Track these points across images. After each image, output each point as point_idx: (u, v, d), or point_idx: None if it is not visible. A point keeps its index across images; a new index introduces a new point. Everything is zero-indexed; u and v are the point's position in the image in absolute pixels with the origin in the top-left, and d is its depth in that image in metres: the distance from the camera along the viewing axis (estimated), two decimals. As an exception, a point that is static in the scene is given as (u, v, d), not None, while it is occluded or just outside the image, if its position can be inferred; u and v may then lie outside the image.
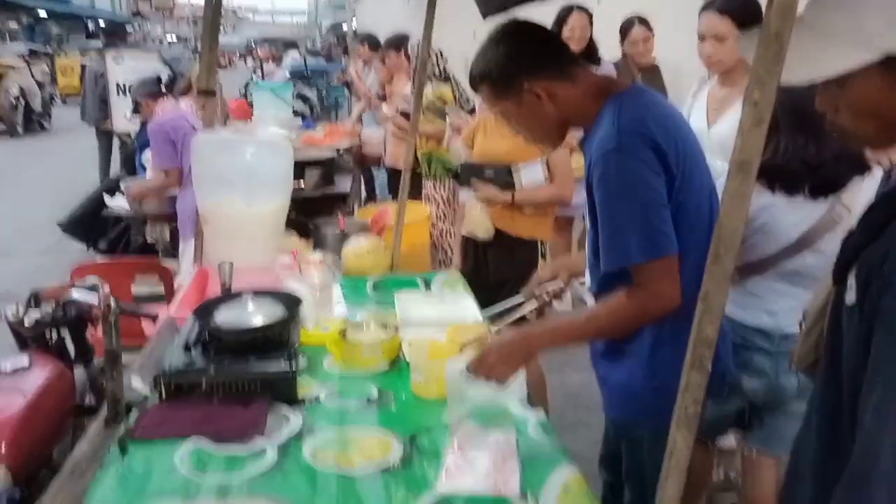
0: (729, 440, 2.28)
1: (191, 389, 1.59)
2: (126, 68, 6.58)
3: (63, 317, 2.21)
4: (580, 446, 1.93)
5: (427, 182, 4.93)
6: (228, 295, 1.85)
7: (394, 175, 5.49)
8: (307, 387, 1.69)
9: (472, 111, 4.71)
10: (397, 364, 1.85)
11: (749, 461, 1.99)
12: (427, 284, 2.45)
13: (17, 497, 1.65)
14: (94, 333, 2.43)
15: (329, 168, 4.62)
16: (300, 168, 4.55)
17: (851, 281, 0.87)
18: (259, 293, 1.83)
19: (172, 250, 4.49)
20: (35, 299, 2.29)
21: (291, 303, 1.83)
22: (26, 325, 2.18)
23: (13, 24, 33.72)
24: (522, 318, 1.83)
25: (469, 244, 2.85)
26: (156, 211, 4.23)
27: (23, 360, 2.07)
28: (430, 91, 4.34)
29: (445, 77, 4.49)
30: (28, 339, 2.24)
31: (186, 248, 3.91)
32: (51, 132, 14.27)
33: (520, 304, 1.88)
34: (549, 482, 1.32)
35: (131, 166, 5.68)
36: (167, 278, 3.40)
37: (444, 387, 1.64)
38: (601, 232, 1.37)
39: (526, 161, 2.60)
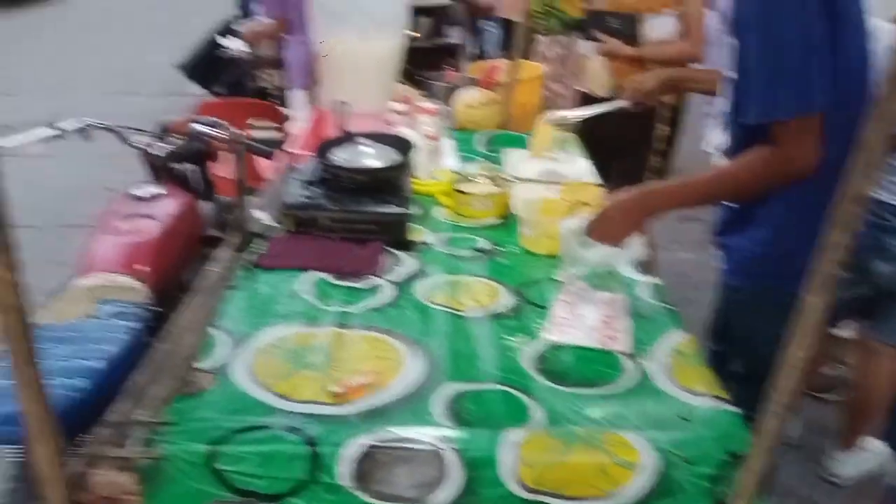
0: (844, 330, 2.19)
1: (310, 224, 1.66)
2: None
3: (189, 149, 2.31)
4: (686, 323, 1.91)
5: (542, 38, 4.69)
6: (345, 136, 1.87)
7: (507, 28, 5.25)
8: (418, 233, 1.72)
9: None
10: (507, 219, 1.85)
11: (868, 351, 1.92)
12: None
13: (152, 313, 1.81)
14: (214, 169, 2.55)
15: (440, 18, 4.46)
16: (410, 15, 4.43)
17: None
18: (374, 136, 1.84)
19: (284, 96, 4.56)
20: (163, 132, 2.41)
21: (405, 148, 1.83)
22: (156, 154, 2.30)
23: None
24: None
25: (584, 102, 2.72)
26: (270, 55, 4.26)
27: (157, 188, 2.21)
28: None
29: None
30: (158, 169, 2.37)
31: (294, 96, 3.97)
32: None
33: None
34: (659, 343, 1.32)
35: (246, 8, 5.66)
36: (281, 121, 3.48)
37: (554, 243, 1.63)
38: (742, 80, 1.24)
39: (656, 12, 2.41)
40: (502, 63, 4.07)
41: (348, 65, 2.05)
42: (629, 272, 1.58)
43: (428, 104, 2.15)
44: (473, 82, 4.06)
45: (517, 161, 2.15)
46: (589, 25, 2.52)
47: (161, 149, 2.30)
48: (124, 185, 4.50)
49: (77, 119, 2.37)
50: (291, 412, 1.08)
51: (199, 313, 1.37)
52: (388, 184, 1.76)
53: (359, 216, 1.65)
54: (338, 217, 1.65)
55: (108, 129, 2.34)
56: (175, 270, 2.08)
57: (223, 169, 2.59)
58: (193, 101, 6.23)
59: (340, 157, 1.77)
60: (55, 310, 1.75)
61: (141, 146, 2.31)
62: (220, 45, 5.92)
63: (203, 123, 2.30)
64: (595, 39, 2.48)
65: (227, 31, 5.92)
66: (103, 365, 1.55)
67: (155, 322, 1.86)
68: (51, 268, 3.54)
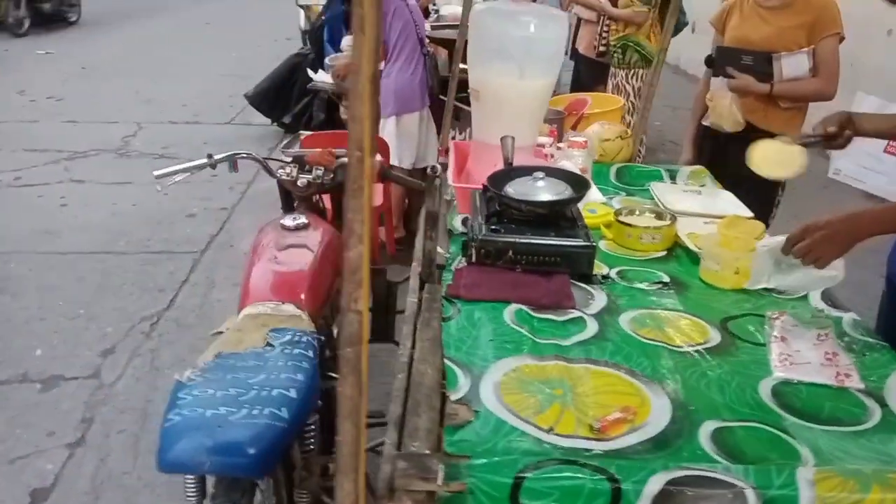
0: None
1: (497, 255, 1.67)
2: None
3: (333, 181, 2.34)
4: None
5: (619, 71, 4.74)
6: (514, 169, 1.89)
7: (582, 62, 5.31)
8: (596, 266, 1.73)
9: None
10: (673, 252, 1.86)
11: None
12: (672, 176, 2.41)
13: (319, 342, 1.82)
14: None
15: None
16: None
17: None
18: (541, 169, 1.86)
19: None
20: (300, 163, 2.44)
21: (577, 182, 1.84)
22: (299, 185, 2.33)
23: None
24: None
25: (707, 137, 2.74)
26: (356, 87, 4.32)
27: (301, 218, 2.23)
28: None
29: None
30: (297, 199, 2.41)
31: (386, 124, 4.03)
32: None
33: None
34: (891, 379, 1.31)
35: (318, 40, 5.78)
36: (385, 151, 3.53)
37: (739, 277, 1.63)
38: None
39: (785, 49, 2.42)
40: (586, 96, 4.13)
41: (503, 101, 2.07)
42: (824, 306, 1.58)
43: (578, 138, 2.18)
44: (560, 115, 4.12)
45: (665, 193, 2.16)
46: (720, 61, 2.54)
47: (302, 181, 2.33)
48: (206, 211, 4.62)
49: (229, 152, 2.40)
50: (563, 446, 1.08)
51: (424, 344, 1.37)
52: (564, 216, 1.78)
53: (545, 248, 1.66)
54: (524, 249, 1.66)
55: (254, 160, 2.37)
56: (327, 299, 2.10)
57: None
58: (258, 131, 6.37)
59: (515, 189, 1.79)
60: (232, 339, 1.76)
61: (284, 177, 2.34)
62: (288, 78, 6.07)
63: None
64: (726, 75, 2.50)
65: (297, 64, 6.06)
66: (295, 394, 1.57)
67: (322, 349, 1.88)
68: (144, 294, 3.62)
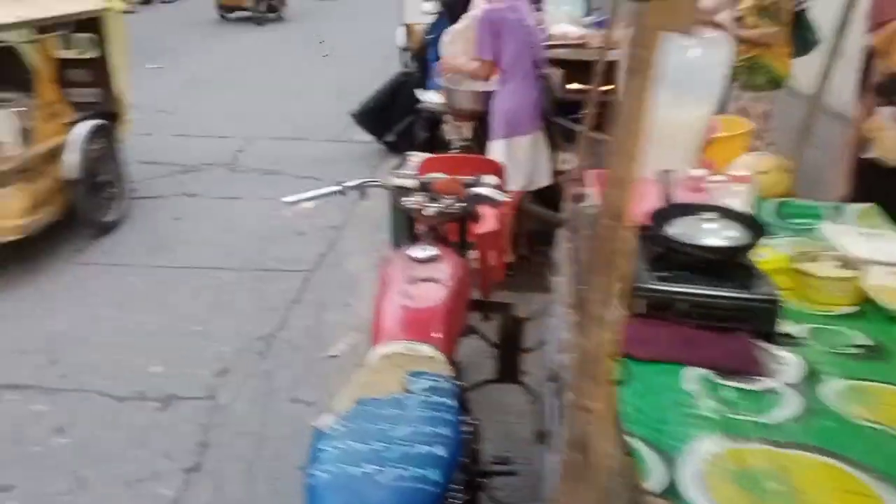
0: None
1: (664, 307, 1.49)
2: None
3: (463, 210, 2.23)
4: None
5: (744, 94, 4.45)
6: (675, 207, 1.71)
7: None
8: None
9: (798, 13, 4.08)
10: (863, 307, 1.62)
11: None
12: (838, 215, 2.15)
13: (459, 389, 1.69)
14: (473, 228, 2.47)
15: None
16: (612, 71, 4.30)
17: None
18: (709, 208, 1.67)
19: (475, 147, 4.51)
20: (426, 190, 2.34)
21: (749, 223, 1.64)
22: (427, 215, 2.23)
23: None
24: None
25: (869, 171, 2.46)
26: (468, 106, 4.23)
27: (431, 249, 2.12)
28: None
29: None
30: (424, 229, 2.30)
31: (494, 147, 3.90)
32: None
33: None
34: None
35: (423, 60, 5.75)
36: (501, 175, 3.39)
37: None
38: None
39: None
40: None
41: (661, 131, 1.89)
42: None
43: (739, 171, 1.97)
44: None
45: (839, 236, 1.92)
46: (890, 91, 2.27)
47: (429, 210, 2.22)
48: (315, 229, 4.62)
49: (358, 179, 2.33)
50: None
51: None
52: (737, 263, 1.58)
53: (722, 301, 1.47)
54: (697, 301, 1.48)
55: (384, 188, 2.29)
56: (456, 335, 1.98)
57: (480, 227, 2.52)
58: (362, 149, 6.39)
59: (680, 230, 1.61)
60: (369, 382, 1.66)
61: (411, 206, 2.24)
62: (393, 97, 6.05)
63: (482, 185, 2.22)
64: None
65: (400, 84, 6.04)
66: (445, 452, 1.44)
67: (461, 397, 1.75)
68: (257, 312, 3.62)
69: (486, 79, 4.16)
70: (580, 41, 4.86)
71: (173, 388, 3.02)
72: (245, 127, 7.02)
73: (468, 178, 2.43)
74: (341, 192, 2.21)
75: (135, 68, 9.60)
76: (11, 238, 3.79)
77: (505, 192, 2.22)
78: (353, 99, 8.11)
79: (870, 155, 2.42)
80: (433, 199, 2.26)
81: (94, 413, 2.86)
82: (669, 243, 1.58)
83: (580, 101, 4.20)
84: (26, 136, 3.89)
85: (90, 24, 4.42)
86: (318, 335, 3.43)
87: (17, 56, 4.06)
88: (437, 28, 5.58)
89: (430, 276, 2.03)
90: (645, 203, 1.80)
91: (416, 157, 4.40)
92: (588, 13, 5.79)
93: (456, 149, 4.91)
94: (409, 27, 8.28)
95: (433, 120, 6.08)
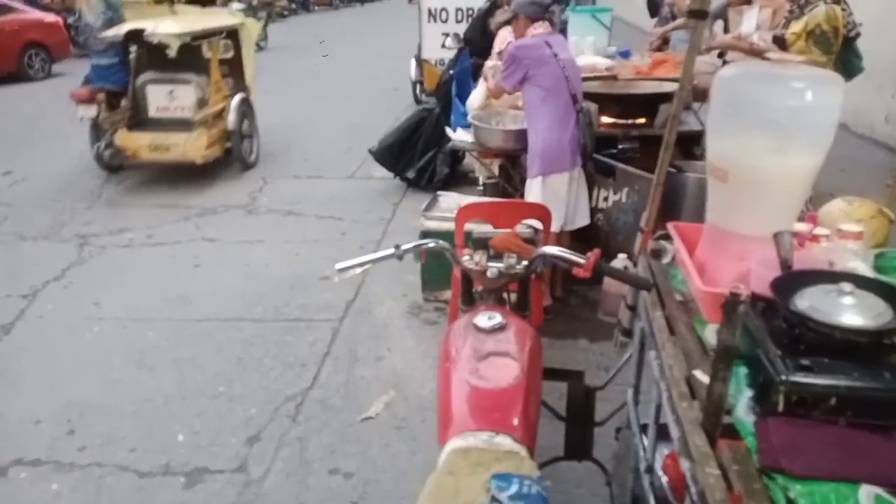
0: None
1: (813, 405, 1.25)
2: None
3: (526, 270, 2.01)
4: None
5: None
6: (798, 275, 1.49)
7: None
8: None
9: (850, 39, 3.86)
10: None
11: None
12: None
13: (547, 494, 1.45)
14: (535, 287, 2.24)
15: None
16: (647, 104, 4.11)
17: None
18: (842, 277, 1.44)
19: (506, 185, 4.32)
20: (481, 245, 2.12)
21: (891, 295, 1.41)
22: (489, 276, 2.01)
23: None
24: None
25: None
26: (499, 145, 4.04)
27: (497, 316, 1.90)
28: (820, 12, 3.58)
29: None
30: (484, 291, 2.08)
31: (532, 185, 3.70)
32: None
33: None
34: None
35: (445, 95, 5.58)
36: (547, 220, 3.18)
37: None
38: None
39: None
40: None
41: (754, 181, 1.68)
42: None
43: (851, 226, 1.74)
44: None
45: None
46: None
47: (492, 270, 2.00)
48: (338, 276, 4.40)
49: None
50: None
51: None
52: (884, 345, 1.35)
53: (890, 396, 1.23)
54: (856, 396, 1.24)
55: (442, 250, 2.06)
56: (537, 422, 1.74)
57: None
58: (381, 185, 6.20)
59: (813, 305, 1.38)
60: (445, 488, 1.42)
61: (470, 266, 2.02)
62: (413, 133, 5.89)
63: (553, 248, 1.99)
64: None
65: (421, 120, 5.87)
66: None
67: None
68: (286, 369, 3.39)
69: (497, 98, 4.01)
70: (610, 73, 4.69)
71: (200, 460, 2.77)
72: (260, 166, 6.84)
73: (526, 232, 2.22)
74: (398, 257, 1.99)
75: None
76: (199, 162, 6.06)
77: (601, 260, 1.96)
78: (365, 133, 7.99)
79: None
80: (494, 258, 2.04)
81: (115, 494, 2.61)
82: (806, 322, 1.35)
83: (616, 136, 4.02)
84: (202, 102, 6.23)
85: (232, 34, 6.68)
86: (351, 393, 3.20)
87: (197, 51, 6.28)
88: (461, 62, 5.44)
89: (500, 349, 1.80)
90: (759, 270, 1.58)
91: (446, 197, 4.21)
92: (609, 43, 5.64)
93: (481, 186, 4.73)
94: (420, 61, 8.19)
95: (454, 156, 5.93)
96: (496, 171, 4.36)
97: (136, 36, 5.86)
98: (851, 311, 1.35)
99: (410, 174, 5.91)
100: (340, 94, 10.55)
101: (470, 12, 6.50)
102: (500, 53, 4.79)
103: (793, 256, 1.54)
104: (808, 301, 1.40)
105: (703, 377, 1.43)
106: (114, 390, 3.24)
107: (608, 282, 3.75)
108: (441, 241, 2.06)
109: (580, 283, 4.22)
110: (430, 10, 6.59)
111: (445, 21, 6.62)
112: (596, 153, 3.85)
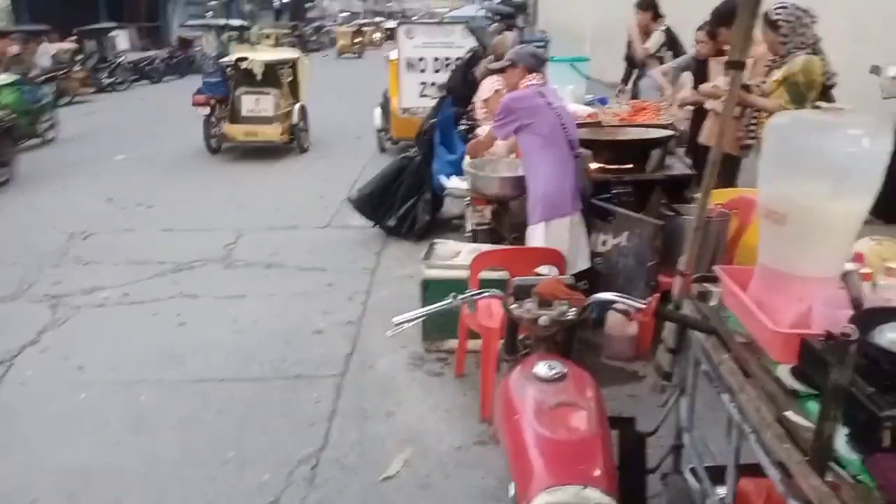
0: None
1: (917, 440, 1.28)
2: (417, 43, 6.57)
3: (578, 316, 2.01)
4: None
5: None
6: (875, 312, 1.53)
7: (704, 155, 5.01)
8: None
9: (827, 87, 4.08)
10: None
11: None
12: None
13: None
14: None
15: (665, 149, 4.25)
16: (636, 149, 4.23)
17: None
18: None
19: (497, 230, 4.36)
20: (523, 294, 2.11)
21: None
22: (541, 324, 2.00)
23: (213, 2, 37.41)
24: None
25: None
26: (496, 192, 4.09)
27: (557, 365, 1.89)
28: (798, 63, 3.78)
29: (815, 46, 3.88)
30: (534, 340, 2.07)
31: (534, 232, 3.74)
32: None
33: None
34: None
35: (427, 142, 5.63)
36: (561, 266, 3.22)
37: None
38: None
39: None
40: (750, 196, 3.79)
41: (808, 225, 1.73)
42: None
43: (870, 260, 1.82)
44: (723, 215, 3.78)
45: None
46: None
47: (545, 319, 1.99)
48: (332, 325, 4.31)
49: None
50: None
51: None
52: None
53: None
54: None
55: (497, 298, 2.05)
56: (616, 471, 1.72)
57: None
58: (360, 234, 6.16)
59: (888, 341, 1.42)
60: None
61: (521, 314, 2.01)
62: (393, 181, 5.91)
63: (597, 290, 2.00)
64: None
65: (401, 168, 5.90)
66: None
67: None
68: (294, 429, 3.27)
69: (486, 149, 4.11)
70: (593, 119, 4.83)
71: (219, 533, 2.64)
72: (232, 218, 6.73)
73: (567, 279, 2.23)
74: (456, 307, 1.96)
75: (103, 161, 9.34)
76: (278, 142, 9.46)
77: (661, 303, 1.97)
78: (334, 181, 7.95)
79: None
80: (543, 305, 2.03)
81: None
82: (893, 358, 1.39)
83: (608, 181, 4.12)
84: (277, 106, 9.40)
85: (293, 64, 9.93)
86: (367, 452, 3.10)
87: (273, 73, 9.49)
88: (443, 110, 5.51)
89: (568, 399, 1.79)
90: (824, 310, 1.62)
91: (443, 245, 4.21)
92: (586, 92, 5.83)
93: (470, 233, 4.75)
94: (386, 109, 8.26)
95: (435, 203, 5.96)
96: (489, 216, 4.39)
97: (239, 62, 9.46)
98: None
99: (391, 222, 5.90)
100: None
101: (447, 62, 6.66)
102: (485, 101, 4.89)
103: (862, 295, 1.59)
104: (889, 337, 1.44)
105: (797, 418, 1.44)
106: (116, 456, 3.07)
107: (611, 325, 3.79)
108: (495, 290, 2.05)
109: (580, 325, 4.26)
110: (408, 60, 6.70)
111: (423, 71, 6.75)
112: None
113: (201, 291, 4.97)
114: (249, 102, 9.35)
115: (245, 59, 9.36)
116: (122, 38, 20.35)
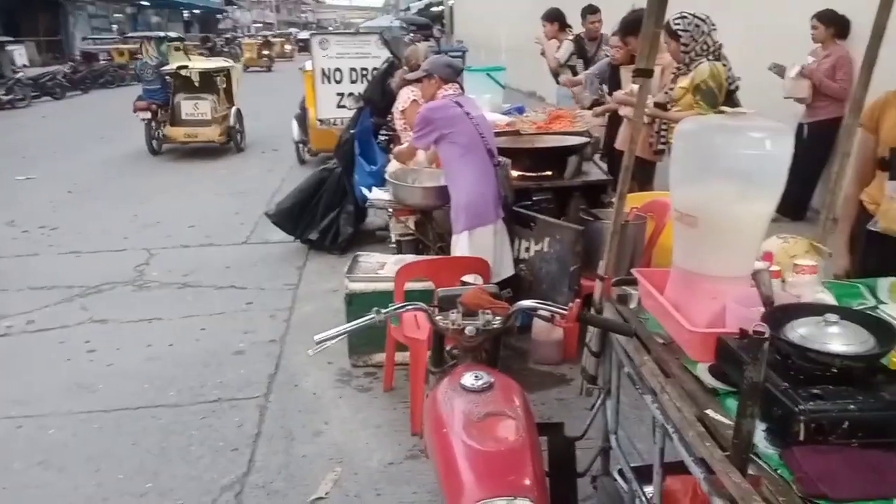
0: None
1: (830, 431, 1.33)
2: (332, 54, 6.48)
3: (504, 325, 2.00)
4: None
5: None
6: (785, 309, 1.59)
7: (620, 161, 5.14)
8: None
9: (731, 92, 4.27)
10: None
11: None
12: (872, 292, 2.13)
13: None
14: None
15: (582, 156, 4.34)
16: (554, 157, 4.31)
17: None
18: (827, 309, 1.55)
19: (422, 239, 4.35)
20: (448, 304, 2.09)
21: (873, 325, 1.53)
22: (467, 334, 1.98)
23: (118, 15, 36.24)
24: None
25: (874, 244, 2.50)
26: (419, 202, 4.07)
27: (484, 375, 1.87)
28: (705, 69, 3.94)
29: (718, 54, 4.06)
30: (461, 350, 2.05)
31: (459, 240, 3.74)
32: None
33: None
34: None
35: (346, 154, 5.56)
36: (486, 274, 3.22)
37: None
38: None
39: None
40: (664, 198, 3.92)
41: (717, 228, 1.79)
42: None
43: (807, 260, 1.90)
44: (639, 219, 3.89)
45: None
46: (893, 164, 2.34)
47: (470, 329, 1.97)
48: (253, 345, 4.18)
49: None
50: None
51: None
52: (872, 370, 1.46)
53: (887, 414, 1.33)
54: (866, 420, 1.33)
55: (422, 310, 2.01)
56: (545, 478, 1.71)
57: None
58: (280, 249, 6.02)
59: (807, 336, 1.48)
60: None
61: (447, 325, 1.99)
62: (313, 194, 5.80)
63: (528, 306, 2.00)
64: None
65: (321, 181, 5.80)
66: None
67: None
68: (216, 455, 3.13)
69: (410, 158, 4.11)
70: (511, 128, 4.89)
71: (138, 570, 2.49)
72: (141, 238, 6.45)
73: (491, 287, 2.22)
74: (379, 322, 1.91)
75: (2, 181, 8.78)
76: (217, 142, 10.32)
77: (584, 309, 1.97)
78: (247, 195, 7.74)
79: (874, 228, 2.46)
80: (468, 315, 2.02)
81: None
82: (805, 353, 1.44)
83: (528, 189, 4.17)
84: (215, 110, 10.33)
85: (227, 71, 10.91)
86: (294, 475, 3.00)
87: (211, 80, 10.56)
88: (361, 122, 5.46)
89: (496, 409, 1.77)
90: (736, 307, 1.67)
91: (367, 257, 4.15)
92: (503, 101, 5.90)
93: (394, 244, 4.72)
94: (302, 121, 8.13)
95: (358, 215, 5.89)
96: (412, 226, 4.37)
97: (179, 69, 10.47)
98: (842, 340, 1.46)
99: (312, 236, 5.79)
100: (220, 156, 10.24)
101: (364, 72, 6.61)
102: (402, 111, 4.87)
103: (773, 292, 1.65)
104: (799, 333, 1.50)
105: (717, 416, 1.48)
106: (23, 499, 2.85)
107: (537, 330, 3.83)
108: (419, 303, 2.01)
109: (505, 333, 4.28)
110: (323, 71, 6.61)
111: (340, 82, 6.67)
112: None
113: (111, 316, 4.72)
114: (189, 107, 10.27)
115: (185, 66, 10.45)
116: (20, 53, 19.45)
